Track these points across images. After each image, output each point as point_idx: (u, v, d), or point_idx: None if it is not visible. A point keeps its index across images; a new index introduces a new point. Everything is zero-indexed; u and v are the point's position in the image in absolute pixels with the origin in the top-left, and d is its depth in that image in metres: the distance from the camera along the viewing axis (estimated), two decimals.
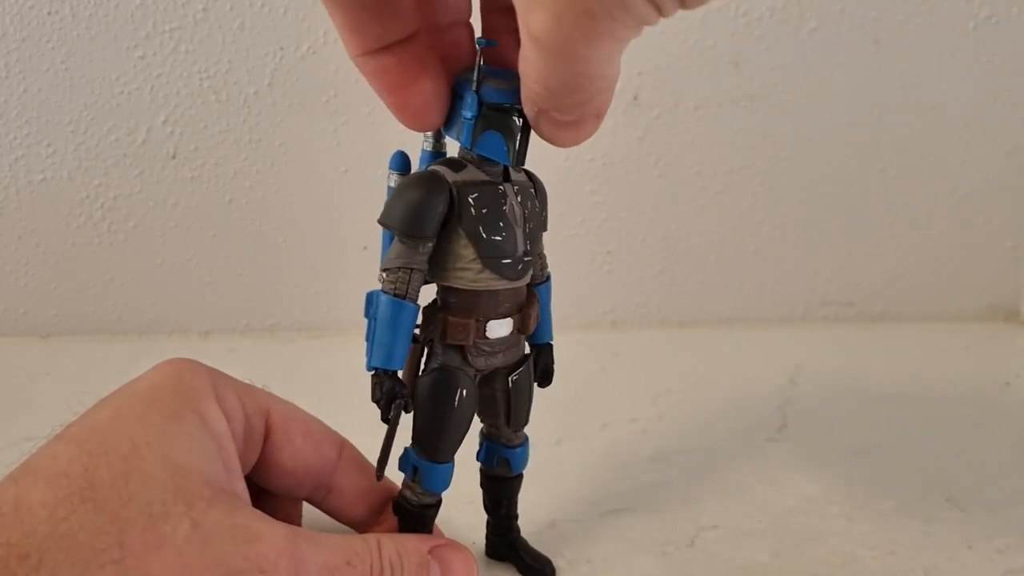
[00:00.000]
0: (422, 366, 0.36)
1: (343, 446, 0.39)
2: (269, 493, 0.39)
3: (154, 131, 0.70)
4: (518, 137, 0.33)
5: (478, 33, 0.34)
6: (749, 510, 0.47)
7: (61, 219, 0.72)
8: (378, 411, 0.34)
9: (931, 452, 0.54)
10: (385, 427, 0.34)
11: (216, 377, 0.35)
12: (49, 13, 0.67)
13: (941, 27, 0.73)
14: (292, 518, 0.39)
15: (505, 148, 0.33)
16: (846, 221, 0.77)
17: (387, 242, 0.36)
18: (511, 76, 0.32)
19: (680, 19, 0.75)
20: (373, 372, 0.34)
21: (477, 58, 0.33)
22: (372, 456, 0.36)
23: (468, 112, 0.33)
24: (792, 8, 0.71)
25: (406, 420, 0.36)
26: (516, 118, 0.32)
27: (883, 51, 0.73)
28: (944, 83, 0.74)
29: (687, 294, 0.78)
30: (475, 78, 0.33)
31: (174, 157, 0.71)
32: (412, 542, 0.34)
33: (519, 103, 0.32)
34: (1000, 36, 0.73)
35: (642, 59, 0.71)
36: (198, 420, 0.32)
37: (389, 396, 0.33)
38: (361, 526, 0.39)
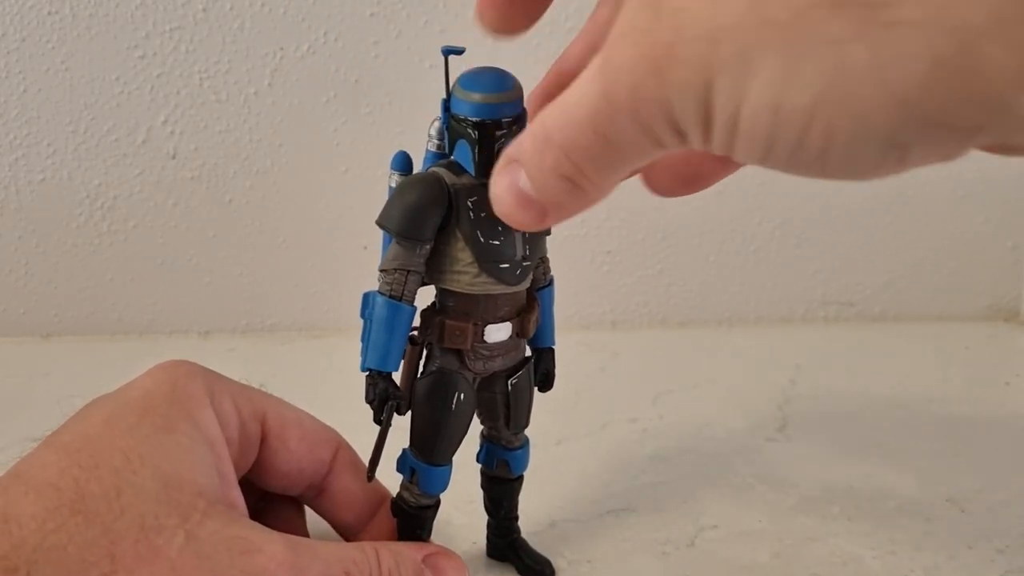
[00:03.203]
0: (420, 368, 0.36)
1: (338, 448, 0.38)
2: (270, 498, 0.38)
3: (154, 131, 0.70)
4: (475, 149, 0.33)
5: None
6: (749, 510, 0.47)
7: (61, 219, 0.72)
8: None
9: (931, 452, 0.54)
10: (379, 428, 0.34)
11: (212, 380, 0.34)
12: (49, 13, 0.67)
13: None
14: (295, 524, 0.39)
15: (471, 158, 0.33)
16: (846, 221, 0.77)
17: (387, 243, 0.36)
18: (480, 86, 0.32)
19: None
20: (367, 373, 0.34)
21: (445, 67, 0.33)
22: (366, 457, 0.36)
23: (443, 120, 0.34)
24: None
25: (403, 421, 0.36)
26: (471, 131, 0.33)
27: None
28: None
29: (687, 294, 0.78)
30: (445, 86, 0.33)
31: (174, 157, 0.71)
32: (408, 550, 0.34)
33: (476, 116, 0.32)
34: None
35: None
36: (191, 428, 0.31)
37: (382, 397, 0.34)
38: (350, 529, 0.39)
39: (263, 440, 0.36)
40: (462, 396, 0.36)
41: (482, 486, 0.41)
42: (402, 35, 0.68)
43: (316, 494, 0.38)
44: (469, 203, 0.34)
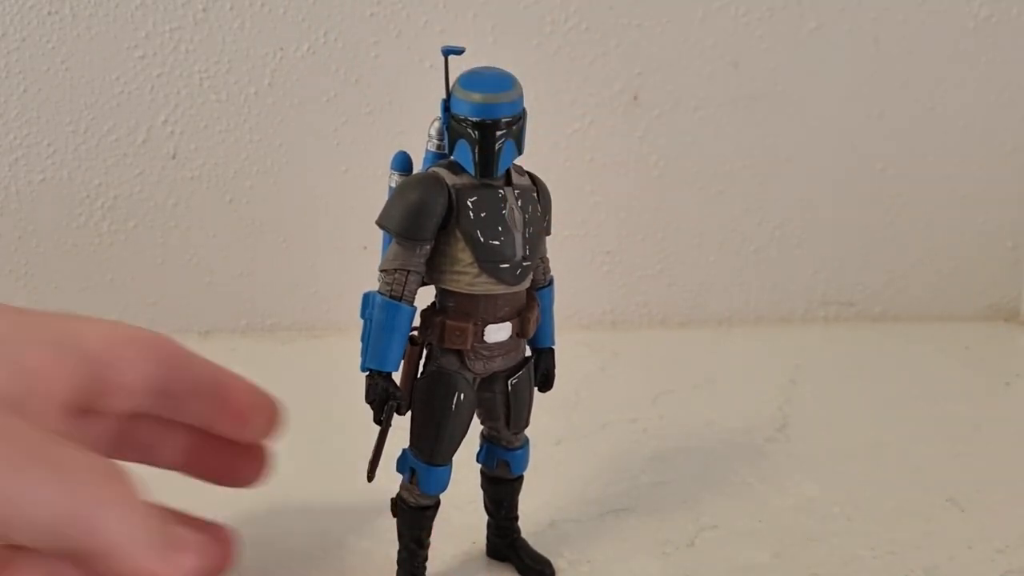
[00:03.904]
0: (420, 368, 0.36)
1: (164, 346, 0.37)
2: None
3: (154, 131, 0.70)
4: (475, 149, 0.33)
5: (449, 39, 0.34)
6: (749, 510, 0.47)
7: (61, 219, 0.72)
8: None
9: (931, 452, 0.54)
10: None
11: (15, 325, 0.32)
12: (49, 13, 0.67)
13: (941, 27, 0.73)
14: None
15: (471, 158, 0.33)
16: (846, 221, 0.77)
17: (387, 243, 0.36)
18: (480, 86, 0.32)
19: (680, 19, 0.75)
20: (367, 373, 0.34)
21: (445, 67, 0.33)
22: (365, 456, 0.36)
23: (443, 120, 0.34)
24: (792, 8, 0.71)
25: (403, 421, 0.36)
26: (471, 130, 0.33)
27: (883, 51, 0.73)
28: (944, 83, 0.74)
29: (687, 294, 0.78)
30: (445, 86, 0.33)
31: (174, 157, 0.71)
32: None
33: (476, 116, 0.32)
34: (1000, 36, 0.73)
35: (642, 59, 0.71)
36: None
37: (382, 397, 0.34)
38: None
39: (99, 360, 0.34)
40: (462, 396, 0.36)
41: (482, 486, 0.41)
42: (402, 35, 0.68)
43: (208, 408, 0.37)
44: (469, 203, 0.34)
